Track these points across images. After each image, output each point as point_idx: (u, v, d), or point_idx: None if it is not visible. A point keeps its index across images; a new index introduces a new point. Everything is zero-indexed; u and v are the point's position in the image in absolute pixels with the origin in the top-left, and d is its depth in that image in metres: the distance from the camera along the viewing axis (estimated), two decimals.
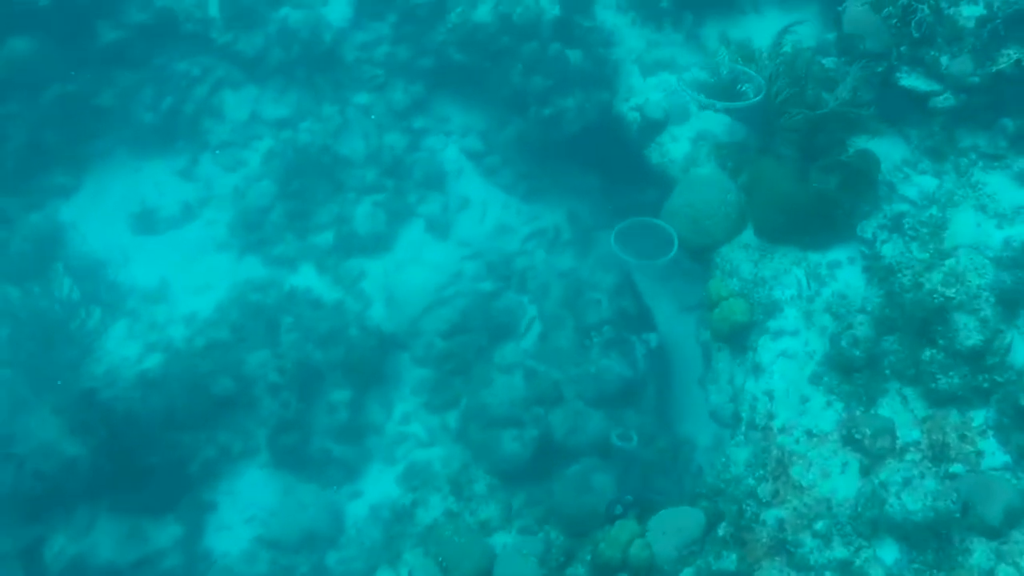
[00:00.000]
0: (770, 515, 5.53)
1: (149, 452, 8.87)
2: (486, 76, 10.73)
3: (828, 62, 6.83)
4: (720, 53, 7.24)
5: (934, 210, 6.23)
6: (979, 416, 5.45)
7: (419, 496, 8.57)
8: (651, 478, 8.80)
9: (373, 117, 11.51)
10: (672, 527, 5.82)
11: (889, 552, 5.15)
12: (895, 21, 6.50)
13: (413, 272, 10.55)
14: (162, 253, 10.89)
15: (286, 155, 11.17)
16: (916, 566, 5.02)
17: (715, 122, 7.76)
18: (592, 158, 10.33)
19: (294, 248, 10.73)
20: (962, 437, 5.42)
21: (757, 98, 6.67)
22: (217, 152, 11.65)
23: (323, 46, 11.59)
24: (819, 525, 5.37)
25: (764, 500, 5.61)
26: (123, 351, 9.89)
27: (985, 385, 5.43)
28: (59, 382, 8.99)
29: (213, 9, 11.81)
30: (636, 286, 10.02)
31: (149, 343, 9.99)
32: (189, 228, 11.21)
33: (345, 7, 12.03)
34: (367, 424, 9.49)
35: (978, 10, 6.38)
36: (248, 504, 9.05)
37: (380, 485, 9.12)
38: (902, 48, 6.55)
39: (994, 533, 4.85)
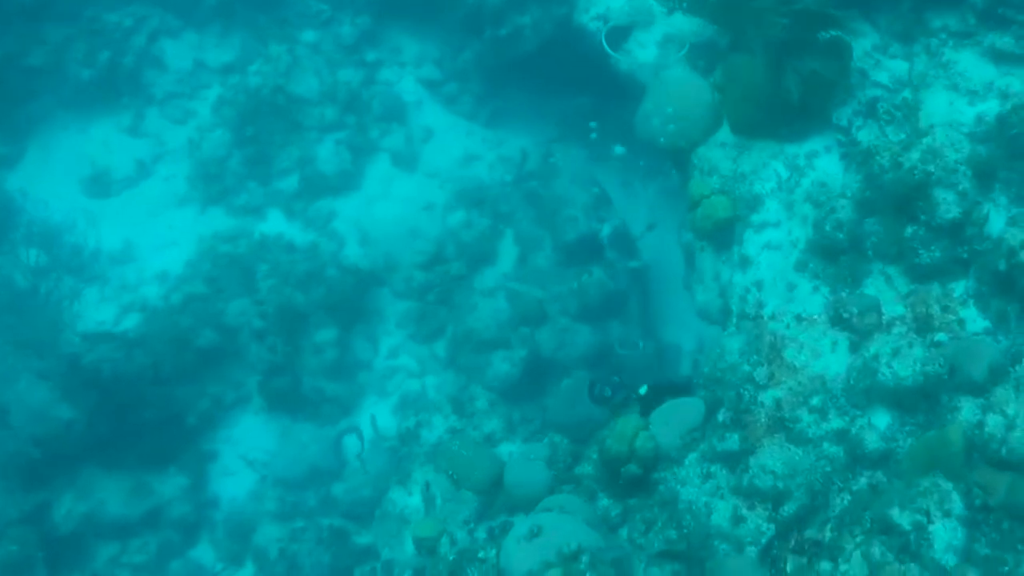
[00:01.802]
0: (767, 396, 5.94)
1: (142, 409, 9.20)
2: (438, 1, 10.78)
3: None
4: None
5: (907, 93, 6.56)
6: (959, 287, 5.86)
7: (422, 418, 8.92)
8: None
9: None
10: (674, 417, 6.23)
11: (882, 418, 5.60)
12: None
13: (384, 207, 10.78)
14: (122, 214, 11.00)
15: (237, 101, 11.20)
16: (908, 428, 5.48)
17: (682, 24, 7.99)
18: (554, 74, 10.48)
19: (258, 195, 10.87)
20: (944, 308, 5.83)
21: None
22: (164, 104, 11.63)
23: None
24: (815, 400, 5.80)
25: (760, 383, 6.00)
26: (99, 315, 10.07)
27: (964, 256, 5.82)
28: (41, 349, 9.11)
29: None
30: (611, 200, 10.33)
31: (124, 304, 10.18)
32: (146, 185, 11.31)
33: None
34: (356, 361, 9.84)
35: None
36: (248, 449, 9.40)
37: (376, 417, 9.47)
38: None
39: (980, 390, 5.29)
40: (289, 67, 11.20)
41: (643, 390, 6.80)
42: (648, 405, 6.52)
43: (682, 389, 6.92)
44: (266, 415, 9.54)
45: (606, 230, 9.88)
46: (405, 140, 11.23)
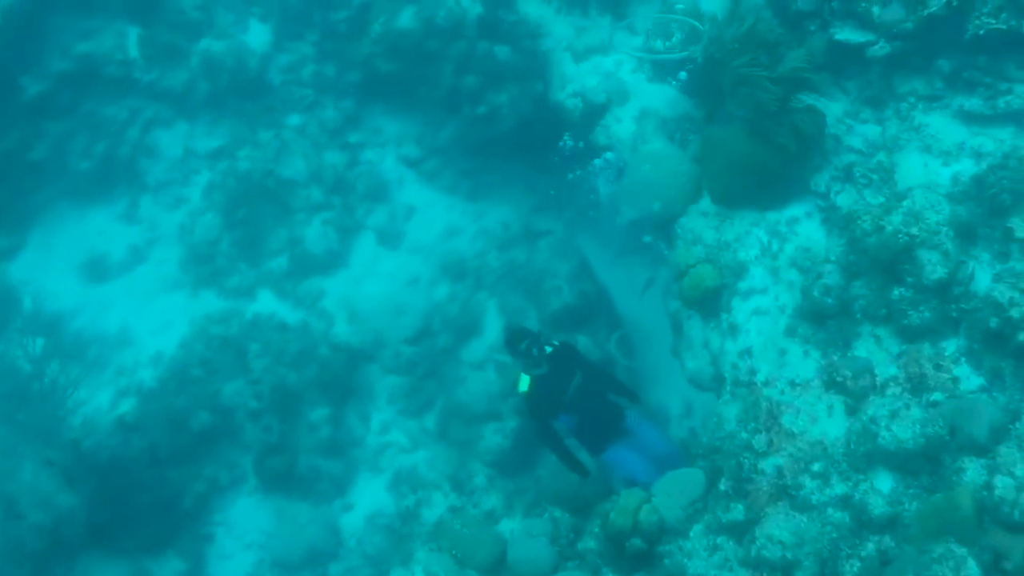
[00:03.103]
0: (768, 464, 5.60)
1: (140, 493, 8.75)
2: (416, 82, 10.62)
3: (767, 26, 6.89)
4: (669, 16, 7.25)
5: (881, 156, 6.39)
6: (951, 345, 5.60)
7: (422, 496, 8.46)
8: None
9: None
10: (675, 489, 5.88)
11: (885, 482, 5.26)
12: None
13: (371, 285, 10.45)
14: (118, 298, 10.63)
15: (227, 185, 10.92)
16: (913, 491, 5.15)
17: (656, 98, 7.83)
18: (533, 148, 10.30)
19: (249, 277, 10.52)
20: (937, 366, 5.54)
21: (697, 50, 6.76)
22: (157, 192, 11.35)
23: (250, 72, 11.37)
24: (816, 466, 5.46)
25: (760, 451, 5.67)
26: (96, 400, 9.65)
27: (954, 314, 5.58)
28: (45, 436, 8.69)
29: (133, 50, 11.48)
30: (593, 270, 10.07)
31: (120, 388, 9.75)
32: (140, 270, 10.95)
33: (264, 32, 11.85)
34: (349, 438, 9.39)
35: None
36: (244, 531, 8.92)
37: (371, 495, 9.01)
38: (833, 3, 6.67)
39: (983, 450, 4.98)
40: (277, 151, 10.95)
41: (549, 349, 6.75)
42: (556, 363, 6.65)
43: (608, 378, 7.07)
44: (262, 495, 9.05)
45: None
46: (389, 218, 10.95)
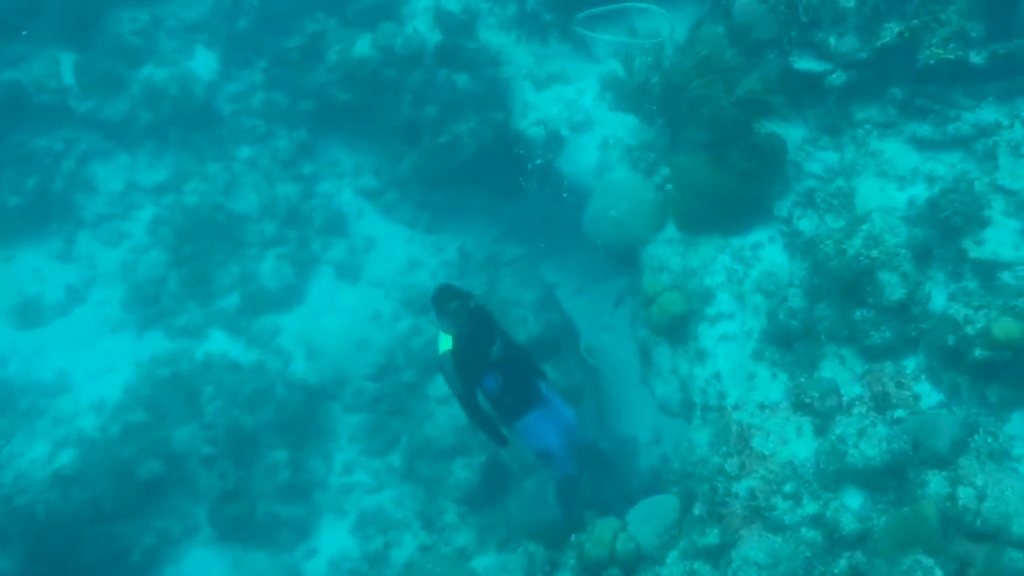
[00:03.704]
0: (741, 486, 6.11)
1: (82, 551, 8.83)
2: (374, 111, 11.11)
3: (726, 54, 7.57)
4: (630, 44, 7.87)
5: (840, 182, 7.06)
6: (911, 363, 6.22)
7: (391, 537, 8.79)
8: (601, 481, 9.42)
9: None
10: (650, 515, 6.35)
11: (855, 499, 5.82)
12: (783, 8, 7.33)
13: (330, 320, 10.82)
14: (54, 343, 10.82)
15: (173, 220, 11.24)
16: (881, 506, 5.70)
17: (619, 126, 8.44)
18: (495, 177, 10.83)
19: (199, 315, 10.81)
20: (899, 384, 6.16)
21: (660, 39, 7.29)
22: (96, 228, 11.60)
23: (196, 101, 11.78)
24: (788, 487, 5.99)
25: (732, 474, 6.19)
26: (31, 452, 9.76)
27: (913, 334, 6.21)
28: None
29: (68, 77, 11.79)
30: (558, 299, 10.59)
31: (58, 439, 9.90)
32: (78, 312, 11.17)
33: (211, 59, 12.27)
34: (310, 480, 9.68)
35: None
36: None
37: (334, 539, 9.31)
38: (792, 33, 7.38)
39: (944, 462, 5.57)
40: (227, 184, 11.33)
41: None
42: (477, 324, 7.01)
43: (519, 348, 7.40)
44: (218, 545, 9.25)
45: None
46: (347, 251, 11.38)
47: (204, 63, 12.14)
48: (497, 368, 7.18)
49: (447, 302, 7.02)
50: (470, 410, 7.23)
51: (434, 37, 10.50)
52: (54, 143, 11.66)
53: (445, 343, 7.08)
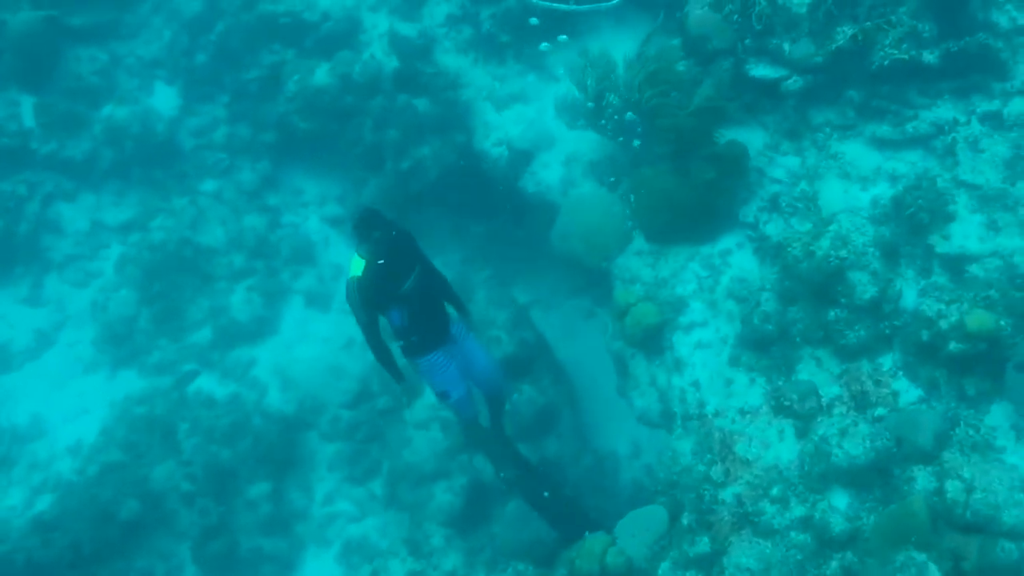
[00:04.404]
0: (727, 493, 5.95)
1: None
2: (335, 139, 10.90)
3: (680, 66, 7.48)
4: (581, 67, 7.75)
5: (804, 185, 6.96)
6: (887, 361, 6.11)
7: (377, 565, 8.51)
8: (585, 498, 9.19)
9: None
10: (639, 527, 6.17)
11: (841, 499, 5.67)
12: (736, 17, 7.24)
13: (303, 349, 10.54)
14: (26, 388, 10.41)
15: (141, 257, 10.92)
16: (868, 504, 5.56)
17: (582, 142, 8.28)
18: (459, 198, 10.66)
19: (171, 352, 10.47)
20: (877, 382, 6.04)
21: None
22: (63, 269, 11.23)
23: (158, 138, 11.52)
24: (774, 491, 5.83)
25: (718, 481, 6.03)
26: (7, 500, 9.35)
27: (887, 331, 6.10)
28: None
29: (28, 119, 11.47)
30: (531, 317, 10.41)
31: (35, 485, 9.51)
32: (49, 355, 10.76)
33: (172, 95, 12.02)
34: (292, 512, 9.38)
35: None
36: None
37: (320, 570, 9.01)
38: (747, 41, 7.30)
39: (929, 457, 5.44)
40: (193, 219, 11.03)
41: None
42: (395, 251, 6.55)
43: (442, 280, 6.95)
44: None
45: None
46: (317, 279, 11.12)
47: (165, 99, 11.85)
48: (406, 302, 6.64)
49: (370, 228, 6.53)
50: (370, 340, 6.71)
51: (391, 63, 10.32)
52: (17, 187, 11.26)
53: (356, 267, 6.54)
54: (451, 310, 7.17)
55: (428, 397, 10.00)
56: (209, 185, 11.48)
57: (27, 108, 11.49)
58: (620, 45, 8.38)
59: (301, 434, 9.88)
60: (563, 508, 7.43)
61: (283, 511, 9.30)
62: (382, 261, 6.49)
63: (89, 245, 11.32)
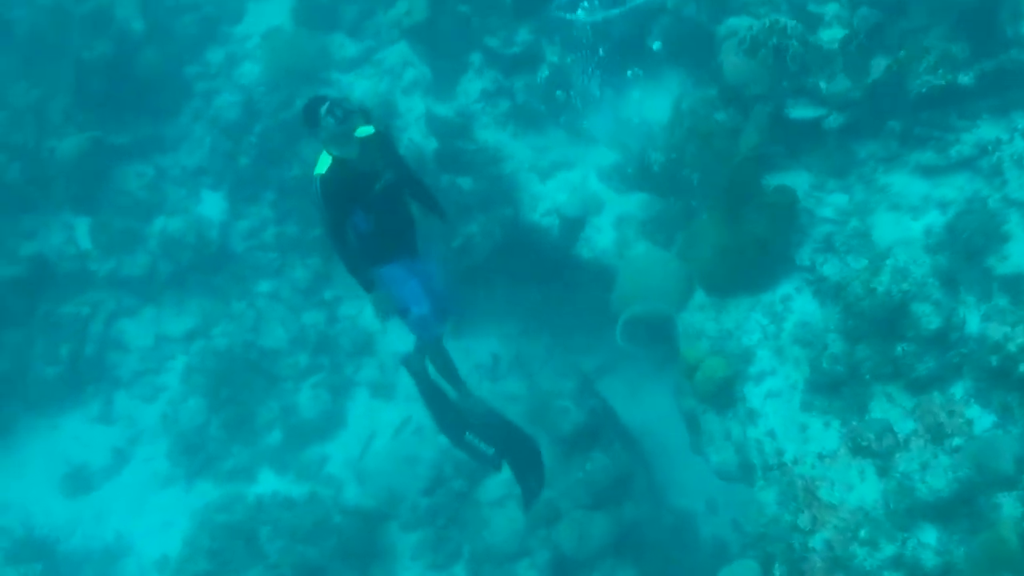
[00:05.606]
0: (816, 540, 6.29)
1: None
2: None
3: (719, 116, 8.02)
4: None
5: (855, 221, 7.41)
6: (958, 389, 6.44)
7: None
8: (670, 559, 9.56)
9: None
10: None
11: (930, 534, 5.99)
12: (771, 61, 7.71)
13: (374, 441, 11.12)
14: (107, 507, 11.16)
15: (206, 365, 11.67)
16: (957, 536, 5.88)
17: (630, 203, 8.86)
18: (513, 271, 11.20)
19: (245, 457, 11.15)
20: (951, 412, 6.36)
21: None
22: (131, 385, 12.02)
23: (212, 245, 12.32)
24: (862, 533, 6.16)
25: (806, 529, 6.38)
26: None
27: (955, 360, 6.46)
28: None
29: (85, 241, 12.37)
30: (595, 384, 10.86)
31: None
32: (126, 472, 11.50)
33: (218, 199, 12.83)
34: None
35: (839, 32, 7.69)
36: None
37: None
38: (784, 83, 7.79)
39: (1012, 483, 5.76)
40: (254, 321, 11.79)
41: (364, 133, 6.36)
42: (368, 150, 6.41)
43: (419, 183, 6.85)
44: None
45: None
46: (379, 370, 11.73)
47: (212, 205, 12.69)
48: (373, 207, 6.51)
49: (314, 110, 6.29)
50: (336, 243, 6.51)
51: (430, 144, 10.96)
52: (81, 308, 12.17)
53: (322, 163, 6.34)
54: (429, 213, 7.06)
55: (500, 474, 10.52)
56: (264, 286, 12.26)
57: (82, 230, 12.45)
58: (656, 101, 9.01)
59: (381, 525, 10.40)
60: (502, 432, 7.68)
61: None
62: (350, 155, 6.36)
63: (155, 358, 12.13)
